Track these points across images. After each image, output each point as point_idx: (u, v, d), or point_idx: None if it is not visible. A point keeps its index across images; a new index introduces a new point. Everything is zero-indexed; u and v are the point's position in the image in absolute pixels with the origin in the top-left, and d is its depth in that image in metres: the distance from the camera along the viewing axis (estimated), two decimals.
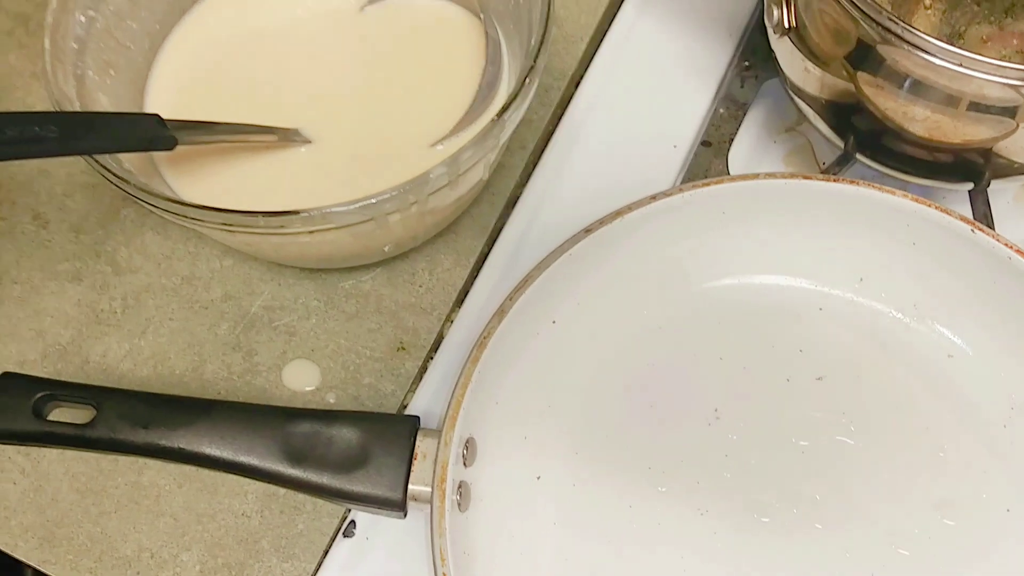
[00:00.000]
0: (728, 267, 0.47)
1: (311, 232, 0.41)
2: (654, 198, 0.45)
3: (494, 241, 0.51)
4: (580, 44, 0.56)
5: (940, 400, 0.45)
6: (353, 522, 0.45)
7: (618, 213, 0.45)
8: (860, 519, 0.43)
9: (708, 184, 0.45)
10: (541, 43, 0.42)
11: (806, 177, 0.45)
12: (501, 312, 0.43)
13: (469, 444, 0.42)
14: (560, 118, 0.54)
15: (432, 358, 0.48)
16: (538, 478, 0.44)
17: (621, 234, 0.45)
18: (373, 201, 0.39)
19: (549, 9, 0.42)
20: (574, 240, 0.44)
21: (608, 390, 0.45)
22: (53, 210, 0.52)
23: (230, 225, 0.40)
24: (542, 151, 0.53)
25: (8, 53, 0.56)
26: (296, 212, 0.39)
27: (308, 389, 0.48)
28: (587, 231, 0.44)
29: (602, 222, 0.44)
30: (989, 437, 0.44)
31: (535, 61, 0.42)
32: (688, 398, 0.45)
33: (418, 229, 0.46)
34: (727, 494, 0.43)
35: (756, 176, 0.46)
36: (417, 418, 0.42)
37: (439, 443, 0.40)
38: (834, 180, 0.45)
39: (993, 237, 0.43)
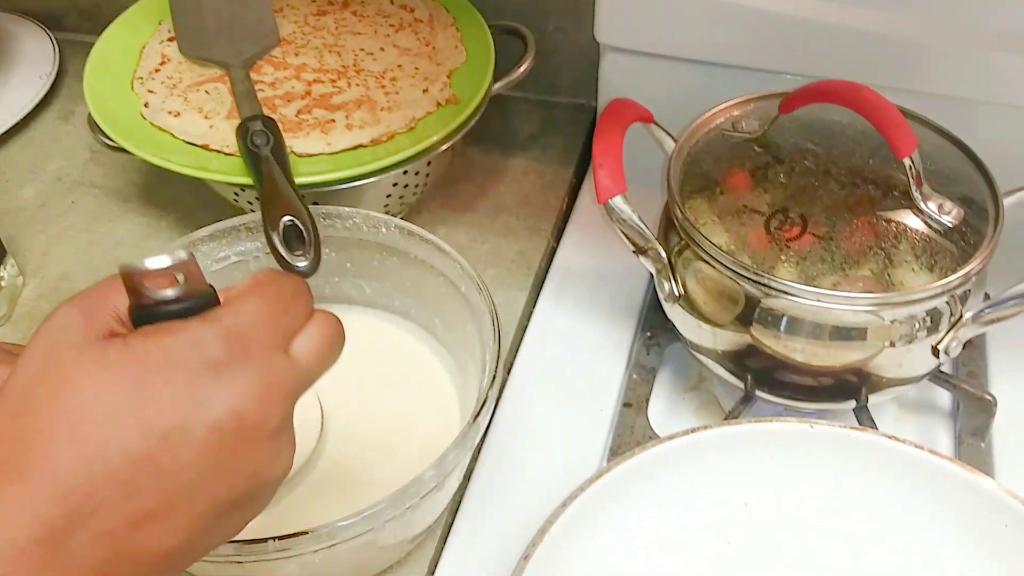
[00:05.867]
0: None
1: (315, 551, 0.45)
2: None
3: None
4: (507, 338, 0.64)
5: None
6: None
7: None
8: None
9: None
10: (497, 364, 0.50)
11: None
12: None
13: None
14: (499, 399, 0.61)
15: None
16: None
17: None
18: (375, 510, 0.44)
19: (500, 343, 0.51)
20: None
21: None
22: None
23: (240, 555, 0.44)
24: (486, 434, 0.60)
25: None
26: (305, 532, 0.44)
27: None
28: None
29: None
30: None
31: (495, 375, 0.50)
32: None
33: (407, 534, 0.51)
34: None
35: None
36: None
37: None
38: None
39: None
